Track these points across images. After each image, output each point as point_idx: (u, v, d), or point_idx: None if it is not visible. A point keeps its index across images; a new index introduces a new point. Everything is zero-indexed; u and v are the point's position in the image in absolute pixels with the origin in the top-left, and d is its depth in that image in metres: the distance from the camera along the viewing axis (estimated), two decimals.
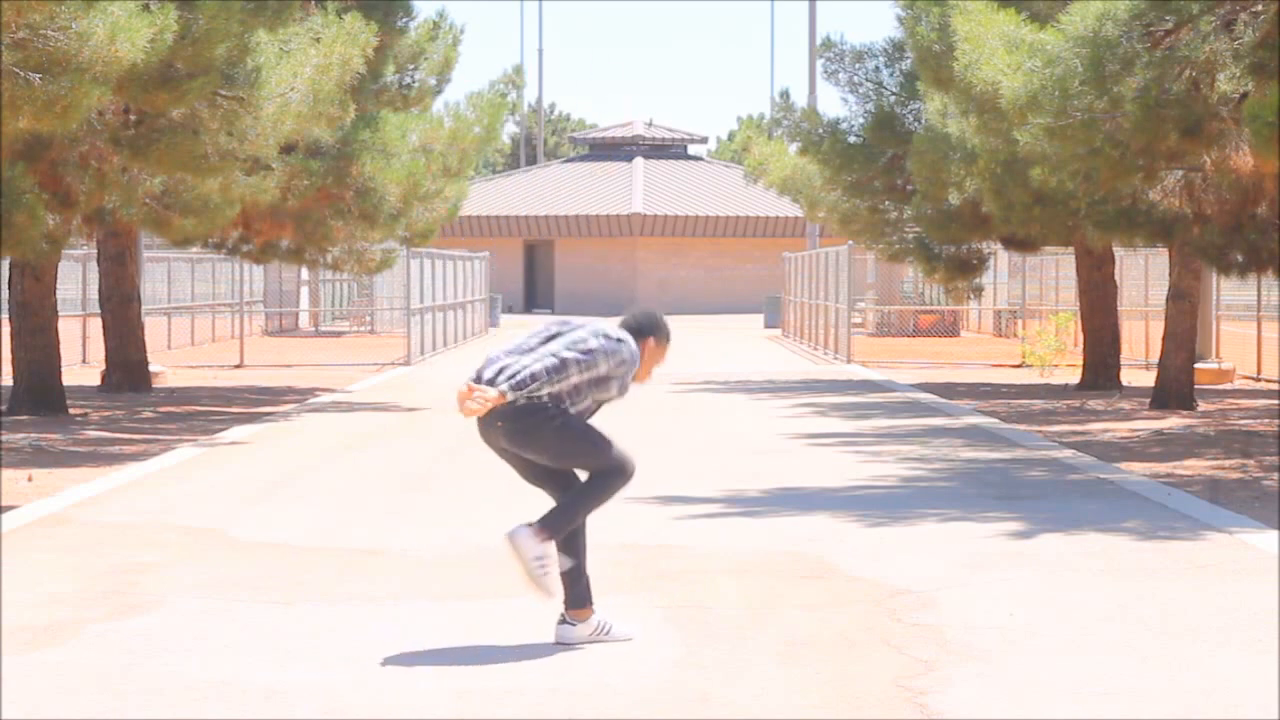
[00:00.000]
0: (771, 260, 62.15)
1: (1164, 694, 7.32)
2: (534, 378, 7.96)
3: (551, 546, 8.06)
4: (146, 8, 14.51)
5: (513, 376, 7.99)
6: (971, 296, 34.21)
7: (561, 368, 8.02)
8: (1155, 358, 25.09)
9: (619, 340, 8.15)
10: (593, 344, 8.10)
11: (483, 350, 40.38)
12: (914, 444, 18.11)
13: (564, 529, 8.10)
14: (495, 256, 61.30)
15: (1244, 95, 14.51)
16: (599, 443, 8.14)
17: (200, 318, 43.06)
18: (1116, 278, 27.91)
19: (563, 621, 8.25)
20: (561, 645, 8.16)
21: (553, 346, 8.09)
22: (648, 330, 8.31)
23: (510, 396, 7.96)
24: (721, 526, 12.17)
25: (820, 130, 29.47)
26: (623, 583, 9.85)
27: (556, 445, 8.07)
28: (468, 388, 8.01)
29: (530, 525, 8.07)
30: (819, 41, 29.49)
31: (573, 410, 8.07)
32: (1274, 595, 9.38)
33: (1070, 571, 10.20)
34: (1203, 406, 22.63)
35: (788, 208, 56.96)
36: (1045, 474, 15.37)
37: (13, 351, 21.58)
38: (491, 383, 8.02)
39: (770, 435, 19.07)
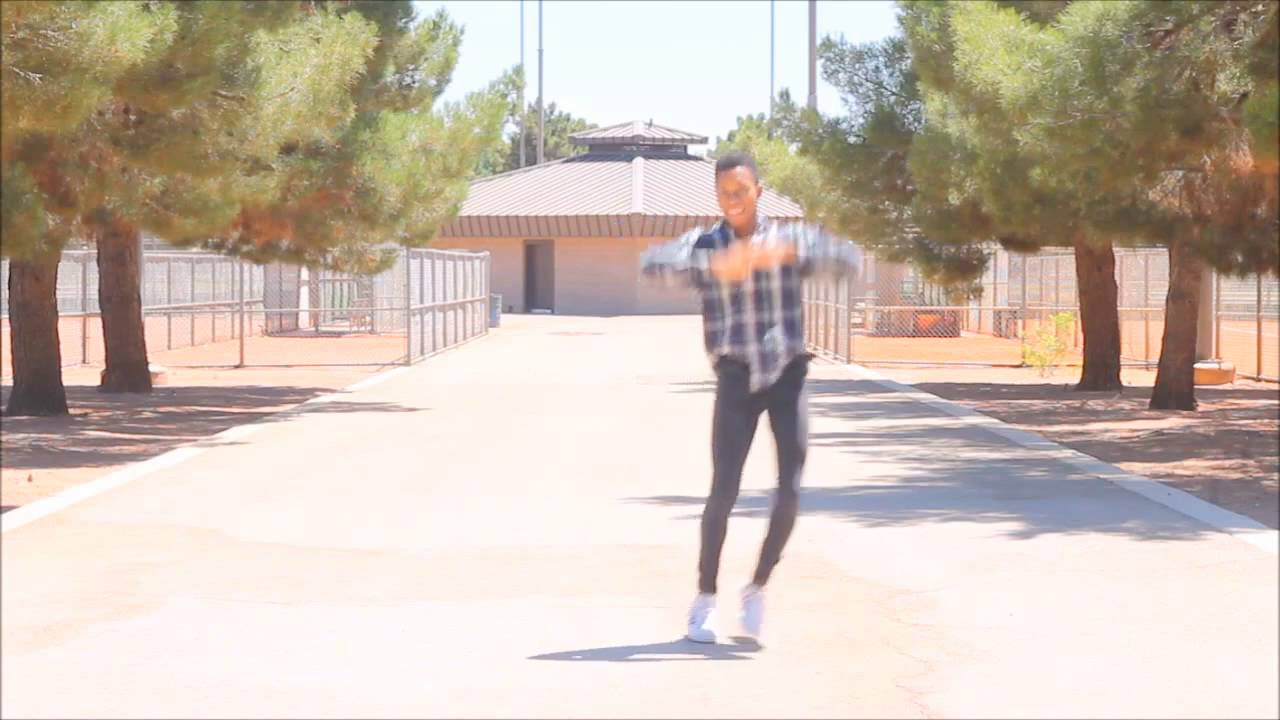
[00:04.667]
0: None
1: (1164, 694, 7.32)
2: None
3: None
4: (146, 8, 14.50)
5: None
6: (971, 297, 34.24)
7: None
8: (1155, 358, 25.08)
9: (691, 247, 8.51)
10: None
11: (482, 351, 40.37)
12: (914, 444, 18.11)
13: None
14: (495, 256, 61.27)
15: (1244, 95, 14.51)
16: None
17: (200, 318, 43.04)
18: (1116, 278, 27.90)
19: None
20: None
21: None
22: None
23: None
24: None
25: (820, 130, 29.47)
26: (623, 583, 9.85)
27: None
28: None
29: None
30: (819, 42, 29.50)
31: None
32: (1274, 595, 9.38)
33: (1070, 571, 10.19)
34: (1203, 406, 22.63)
35: (788, 208, 56.92)
36: (1045, 474, 15.36)
37: (13, 351, 21.57)
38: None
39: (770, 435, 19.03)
